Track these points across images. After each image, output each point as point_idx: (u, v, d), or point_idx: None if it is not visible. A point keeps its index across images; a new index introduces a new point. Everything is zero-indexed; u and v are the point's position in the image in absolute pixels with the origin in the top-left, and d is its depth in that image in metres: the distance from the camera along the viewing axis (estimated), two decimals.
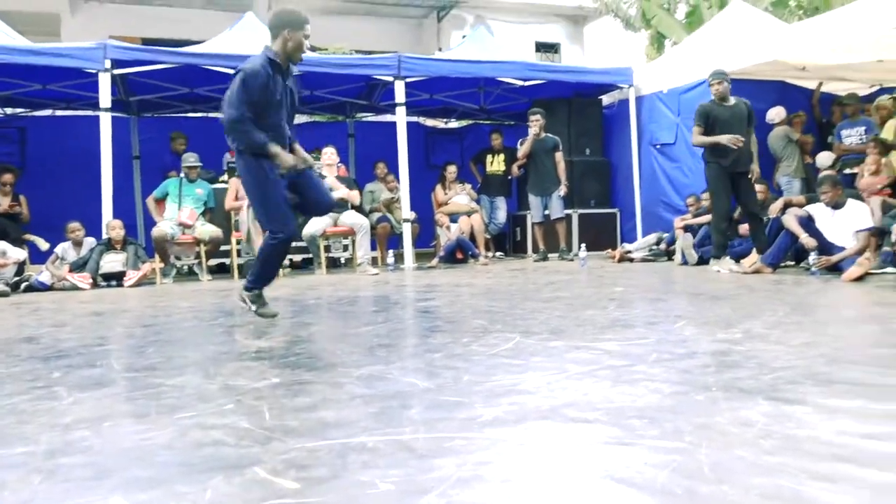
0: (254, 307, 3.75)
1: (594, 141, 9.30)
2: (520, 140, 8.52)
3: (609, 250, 8.36)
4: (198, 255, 7.28)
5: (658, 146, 8.53)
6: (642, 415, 1.75)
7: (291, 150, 3.72)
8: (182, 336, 3.43)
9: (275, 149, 3.51)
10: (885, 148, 6.63)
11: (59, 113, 9.16)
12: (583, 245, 7.64)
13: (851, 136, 7.30)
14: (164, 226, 6.92)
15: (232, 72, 3.61)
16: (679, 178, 7.99)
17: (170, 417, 1.84)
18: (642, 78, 8.95)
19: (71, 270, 6.50)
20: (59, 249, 6.77)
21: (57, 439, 1.67)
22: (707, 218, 7.14)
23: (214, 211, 7.43)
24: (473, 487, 1.31)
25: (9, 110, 9.15)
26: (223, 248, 7.37)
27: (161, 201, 7.28)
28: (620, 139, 9.17)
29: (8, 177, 7.38)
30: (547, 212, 8.20)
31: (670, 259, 7.38)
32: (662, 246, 7.66)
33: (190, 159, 7.34)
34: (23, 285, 6.35)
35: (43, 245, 7.08)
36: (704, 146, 6.21)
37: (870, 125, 7.23)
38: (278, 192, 3.61)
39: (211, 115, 9.91)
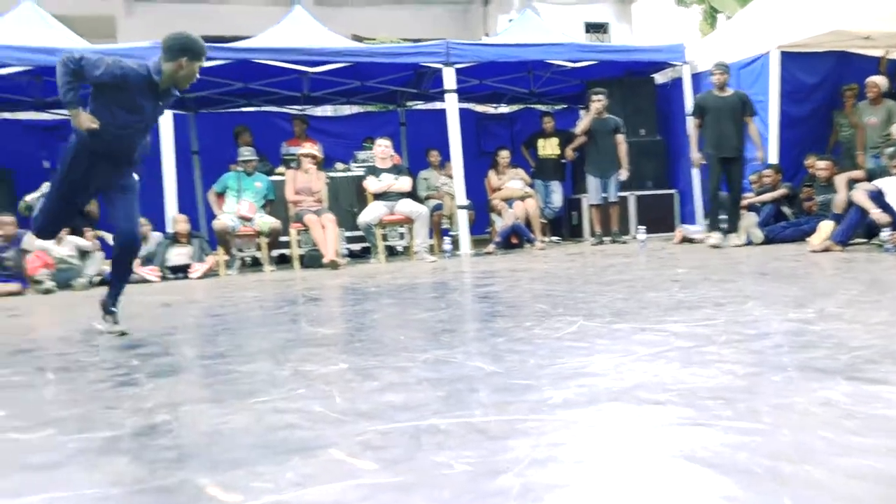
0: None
1: (648, 121, 9.10)
2: (577, 120, 8.39)
3: (678, 229, 7.98)
4: (259, 247, 7.43)
5: None
6: (716, 396, 1.71)
7: (130, 162, 3.45)
8: (250, 324, 3.52)
9: (76, 109, 3.17)
10: None
11: None
12: (641, 227, 7.51)
13: None
14: (225, 218, 7.08)
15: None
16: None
17: (245, 402, 1.90)
18: (697, 54, 8.69)
19: (140, 264, 6.71)
20: None
21: (141, 423, 1.74)
22: (770, 196, 6.95)
23: (275, 203, 7.56)
24: (548, 468, 1.31)
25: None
26: (282, 238, 7.50)
27: (221, 195, 7.45)
28: (676, 118, 8.96)
29: None
30: (605, 194, 8.09)
31: None
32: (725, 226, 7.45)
33: (245, 153, 7.47)
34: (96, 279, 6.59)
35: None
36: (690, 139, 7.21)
37: None
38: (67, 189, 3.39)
39: (265, 108, 10.08)
